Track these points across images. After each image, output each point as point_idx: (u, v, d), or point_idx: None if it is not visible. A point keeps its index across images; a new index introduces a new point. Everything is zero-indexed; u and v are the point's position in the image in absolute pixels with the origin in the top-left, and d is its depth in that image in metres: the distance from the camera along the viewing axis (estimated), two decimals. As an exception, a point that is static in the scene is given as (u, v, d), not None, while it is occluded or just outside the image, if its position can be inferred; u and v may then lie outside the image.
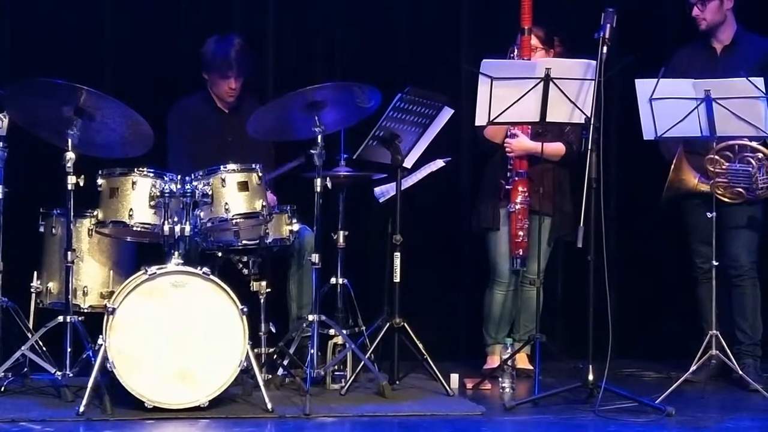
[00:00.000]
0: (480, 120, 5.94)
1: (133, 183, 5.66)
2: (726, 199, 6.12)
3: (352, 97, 5.77)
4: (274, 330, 6.09)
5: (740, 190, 6.12)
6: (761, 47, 6.35)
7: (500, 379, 6.09)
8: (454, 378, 6.12)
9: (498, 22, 6.87)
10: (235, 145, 6.25)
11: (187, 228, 5.64)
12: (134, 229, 5.69)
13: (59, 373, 5.57)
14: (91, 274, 5.92)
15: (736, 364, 6.01)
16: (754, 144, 6.05)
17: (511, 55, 6.35)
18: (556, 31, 6.46)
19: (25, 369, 5.77)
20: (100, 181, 5.69)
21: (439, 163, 6.34)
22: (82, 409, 5.29)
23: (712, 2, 6.29)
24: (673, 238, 6.88)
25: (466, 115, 6.66)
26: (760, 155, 6.07)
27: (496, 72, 5.84)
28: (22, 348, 5.61)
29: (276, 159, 6.43)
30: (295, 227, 6.11)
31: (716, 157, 6.05)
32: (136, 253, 6.02)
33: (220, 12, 6.96)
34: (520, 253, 6.40)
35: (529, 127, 6.34)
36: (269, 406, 5.41)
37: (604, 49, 5.65)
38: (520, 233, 6.37)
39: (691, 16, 6.34)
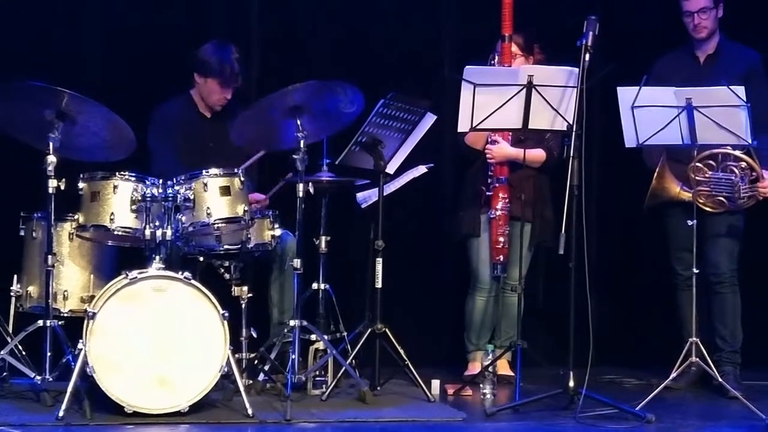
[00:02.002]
0: (462, 126, 5.95)
1: (115, 187, 5.64)
2: (708, 208, 6.14)
3: (335, 100, 5.75)
4: (255, 335, 6.07)
5: (722, 199, 6.14)
6: (744, 57, 6.38)
7: (481, 386, 6.10)
8: (435, 384, 6.12)
9: (480, 29, 6.87)
10: (217, 150, 6.24)
11: (169, 232, 5.63)
12: (115, 233, 5.68)
13: (39, 377, 5.56)
14: (71, 278, 5.90)
15: (716, 371, 6.03)
16: (737, 153, 6.07)
17: (492, 62, 6.36)
18: (535, 38, 6.48)
19: (5, 373, 5.74)
20: (81, 184, 5.67)
21: (422, 169, 6.35)
22: (61, 413, 5.27)
23: (712, 11, 6.33)
24: (654, 246, 6.89)
25: (448, 122, 6.66)
26: (743, 164, 6.09)
27: (478, 78, 5.85)
28: (2, 352, 5.59)
29: (260, 165, 6.42)
30: (277, 232, 6.10)
31: (699, 165, 6.07)
32: (117, 258, 6.00)
33: (202, 17, 6.94)
34: (501, 260, 6.40)
35: (510, 133, 6.35)
36: (250, 411, 5.40)
37: (587, 56, 5.66)
38: (501, 239, 6.38)
39: (685, 26, 6.36)
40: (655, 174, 6.27)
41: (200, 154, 6.19)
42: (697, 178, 6.08)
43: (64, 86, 5.55)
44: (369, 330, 6.00)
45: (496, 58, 6.35)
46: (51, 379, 5.57)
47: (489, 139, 6.39)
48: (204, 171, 5.74)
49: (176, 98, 6.44)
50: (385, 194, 6.13)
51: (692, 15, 6.35)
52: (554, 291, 6.66)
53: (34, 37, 6.76)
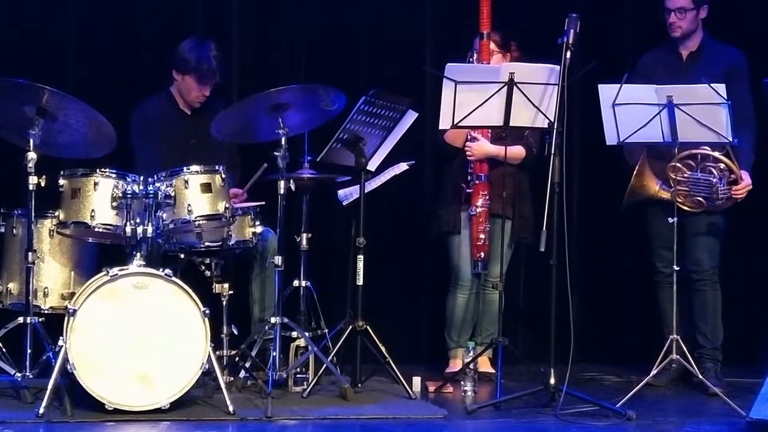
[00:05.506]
0: (444, 123, 5.96)
1: (95, 184, 5.63)
2: (686, 208, 6.15)
3: (317, 100, 5.77)
4: (236, 332, 6.06)
5: (700, 199, 6.16)
6: (726, 55, 6.39)
7: (462, 383, 6.10)
8: (416, 381, 6.13)
9: (461, 27, 6.87)
10: (198, 147, 6.23)
11: (150, 229, 5.61)
12: (96, 230, 5.66)
13: (19, 374, 5.54)
14: (52, 275, 5.88)
15: (696, 368, 6.05)
16: (716, 154, 6.09)
17: (471, 59, 6.38)
18: (512, 35, 6.49)
19: (-14, 370, 5.73)
20: (61, 181, 5.65)
21: (403, 167, 6.35)
22: (41, 410, 5.26)
23: (690, 12, 6.34)
24: (635, 243, 6.91)
25: (429, 119, 6.68)
26: (722, 166, 6.11)
27: (460, 76, 5.86)
28: (-18, 350, 5.59)
29: (242, 162, 6.42)
30: (258, 229, 6.09)
31: (678, 164, 6.08)
32: (98, 255, 5.98)
33: (183, 13, 6.93)
34: (482, 257, 6.41)
35: (489, 131, 6.36)
36: (231, 408, 5.39)
37: (568, 54, 5.67)
38: (481, 236, 6.39)
39: (663, 21, 6.38)
40: (635, 172, 6.28)
41: (181, 152, 6.18)
42: (676, 177, 6.10)
43: (44, 83, 5.53)
44: (350, 327, 5.99)
45: (475, 55, 6.36)
46: (31, 377, 5.55)
47: (469, 137, 6.40)
48: (185, 168, 5.72)
49: (156, 95, 6.43)
50: (366, 191, 6.13)
51: (670, 12, 6.36)
52: (535, 288, 6.68)
53: (12, 34, 6.74)
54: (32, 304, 5.61)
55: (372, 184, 6.28)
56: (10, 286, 5.89)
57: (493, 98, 5.88)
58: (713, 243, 6.35)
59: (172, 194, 5.67)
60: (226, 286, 5.99)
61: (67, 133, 5.70)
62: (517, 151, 6.41)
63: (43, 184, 5.55)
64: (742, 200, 6.20)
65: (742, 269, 7.03)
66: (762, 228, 7.10)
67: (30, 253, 5.56)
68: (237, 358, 6.00)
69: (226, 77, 6.49)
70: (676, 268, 6.00)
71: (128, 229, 5.60)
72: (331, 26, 7.09)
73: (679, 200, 6.11)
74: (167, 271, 5.50)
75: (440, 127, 6.03)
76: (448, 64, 5.92)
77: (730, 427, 5.48)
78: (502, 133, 6.14)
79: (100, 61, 6.80)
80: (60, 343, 5.41)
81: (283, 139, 5.68)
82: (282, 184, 5.70)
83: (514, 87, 5.87)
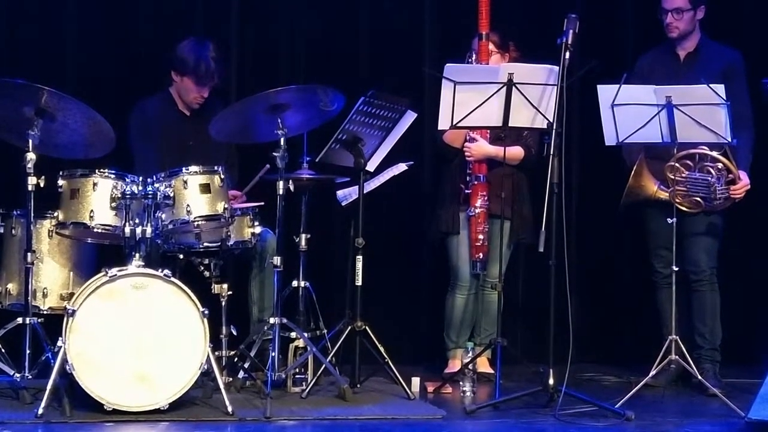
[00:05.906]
0: (443, 124, 5.96)
1: (94, 184, 5.63)
2: (684, 208, 6.15)
3: (316, 100, 5.77)
4: (235, 333, 6.06)
5: (698, 199, 6.15)
6: (724, 55, 6.40)
7: (461, 383, 6.11)
8: (415, 381, 6.13)
9: (460, 27, 6.88)
10: (197, 148, 6.23)
11: (149, 230, 5.61)
12: (95, 230, 5.66)
13: (18, 375, 5.54)
14: (51, 275, 5.89)
15: (695, 368, 6.05)
16: (714, 154, 6.09)
17: (469, 60, 6.38)
18: (511, 36, 6.49)
19: (-15, 371, 5.73)
20: (60, 182, 5.65)
21: (402, 167, 6.35)
22: (40, 411, 5.26)
23: (687, 13, 6.34)
24: (634, 243, 6.91)
25: (428, 119, 6.68)
26: (720, 165, 6.11)
27: (459, 76, 5.86)
28: (-19, 350, 5.59)
29: (240, 163, 6.42)
30: (257, 230, 6.09)
31: (676, 165, 6.08)
32: (97, 255, 5.99)
33: (183, 13, 6.93)
34: (481, 257, 6.42)
35: (488, 131, 6.37)
36: (230, 409, 5.39)
37: (567, 54, 5.67)
38: (480, 237, 6.39)
39: (661, 22, 6.38)
40: (633, 172, 6.28)
41: (180, 152, 6.18)
42: (674, 177, 6.10)
43: (44, 83, 5.53)
44: (349, 327, 5.99)
45: (474, 56, 6.36)
46: (30, 377, 5.55)
47: (468, 137, 6.40)
48: (184, 168, 5.72)
49: (155, 96, 6.42)
50: (365, 192, 6.13)
51: (667, 13, 6.37)
52: (534, 288, 6.68)
53: (12, 34, 6.74)
54: (31, 305, 5.61)
55: (371, 185, 6.29)
56: (9, 286, 5.89)
57: (492, 99, 5.88)
58: (712, 243, 6.35)
59: (171, 195, 5.67)
60: (225, 286, 6.00)
61: (66, 133, 5.70)
62: (516, 152, 6.41)
63: (42, 185, 5.55)
64: (740, 200, 6.20)
65: (740, 269, 7.04)
66: (760, 228, 7.11)
67: (29, 254, 5.57)
68: (236, 359, 6.00)
69: (224, 78, 6.48)
70: (675, 268, 6.00)
71: (127, 229, 5.60)
72: (331, 26, 7.10)
73: (677, 200, 6.11)
74: (166, 271, 5.50)
75: (439, 128, 6.03)
76: (447, 64, 5.92)
77: (728, 428, 5.48)
78: (501, 134, 6.14)
79: (100, 61, 6.80)
80: (59, 343, 5.41)
81: (282, 140, 5.68)
82: (281, 184, 5.71)
83: (513, 87, 5.87)
